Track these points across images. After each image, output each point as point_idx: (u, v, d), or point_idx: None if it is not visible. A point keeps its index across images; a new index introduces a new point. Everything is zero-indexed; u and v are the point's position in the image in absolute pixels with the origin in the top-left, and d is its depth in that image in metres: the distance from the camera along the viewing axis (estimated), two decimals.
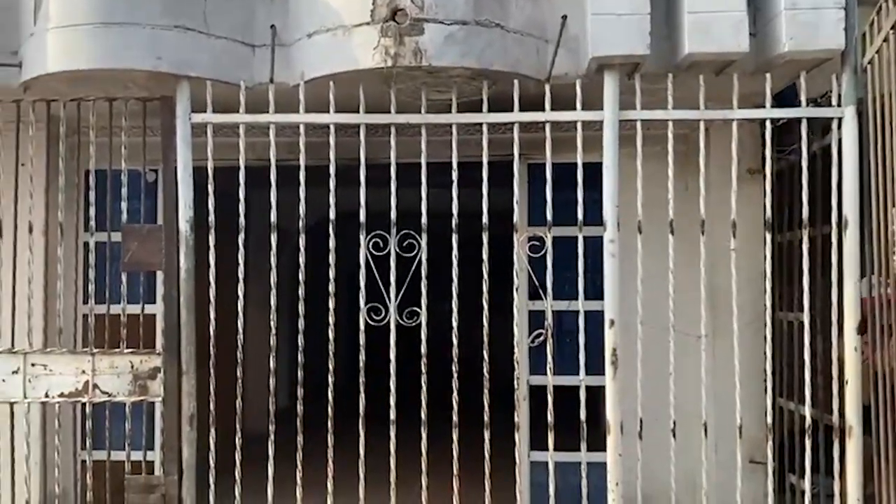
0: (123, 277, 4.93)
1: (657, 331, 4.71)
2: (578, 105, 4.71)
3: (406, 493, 4.77)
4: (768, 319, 4.80)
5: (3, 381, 4.85)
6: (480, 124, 4.78)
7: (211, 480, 4.77)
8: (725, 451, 4.94)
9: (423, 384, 4.74)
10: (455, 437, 4.74)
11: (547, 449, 4.77)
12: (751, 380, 4.99)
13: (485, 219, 4.79)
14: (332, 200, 4.77)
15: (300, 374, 4.78)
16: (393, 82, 4.69)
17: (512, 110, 4.71)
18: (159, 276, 5.09)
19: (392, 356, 4.74)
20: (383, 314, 4.73)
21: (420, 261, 4.74)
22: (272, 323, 4.82)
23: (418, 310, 4.74)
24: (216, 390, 4.76)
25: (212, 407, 4.74)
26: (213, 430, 4.76)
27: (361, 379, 4.73)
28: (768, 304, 4.76)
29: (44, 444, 5.28)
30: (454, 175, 4.76)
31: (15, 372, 4.85)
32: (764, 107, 4.70)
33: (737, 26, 4.52)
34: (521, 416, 5.60)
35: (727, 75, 4.70)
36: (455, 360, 4.81)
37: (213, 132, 4.79)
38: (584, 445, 4.72)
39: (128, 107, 4.97)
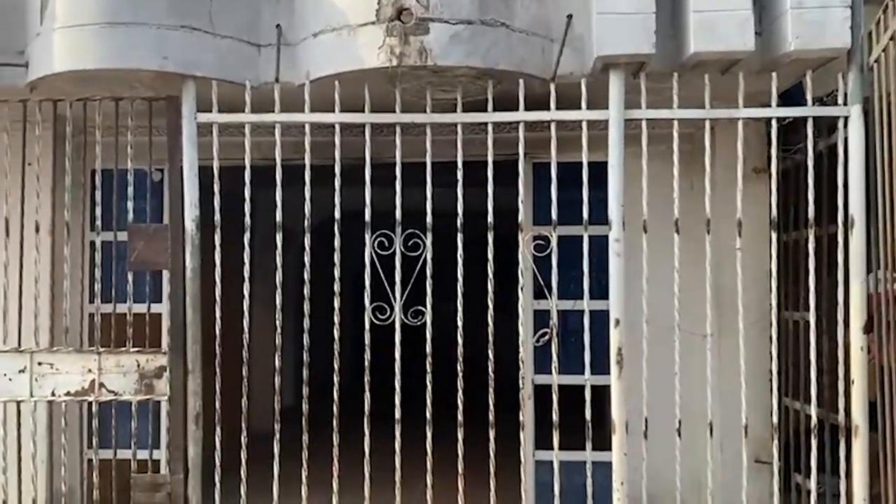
0: (129, 276, 4.94)
1: (662, 330, 4.71)
2: (583, 104, 4.70)
3: (411, 492, 4.78)
4: (774, 319, 4.79)
5: (10, 379, 4.87)
6: (485, 123, 4.79)
7: (217, 479, 4.78)
8: (731, 451, 4.93)
9: (427, 383, 4.74)
10: (460, 436, 4.75)
11: (552, 448, 4.77)
12: (756, 379, 4.99)
13: (490, 218, 4.79)
14: (337, 200, 4.78)
15: (305, 373, 4.79)
16: (398, 82, 4.70)
17: (517, 109, 4.71)
18: (165, 275, 5.11)
19: (397, 355, 4.74)
20: (388, 313, 4.73)
21: (425, 260, 4.75)
22: (278, 322, 4.83)
23: (423, 309, 4.74)
24: (222, 389, 4.78)
25: (217, 406, 4.76)
26: (218, 429, 4.77)
27: (367, 378, 4.74)
28: (774, 303, 4.75)
29: (50, 443, 5.29)
30: (459, 174, 4.75)
31: (22, 371, 4.87)
32: (770, 106, 4.69)
33: (742, 25, 4.51)
34: (526, 415, 5.60)
35: (733, 74, 4.69)
36: (460, 359, 4.82)
37: (219, 132, 4.80)
38: (589, 445, 4.71)
39: (134, 106, 4.98)
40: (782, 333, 5.16)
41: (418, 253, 4.75)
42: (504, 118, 4.77)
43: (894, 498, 4.21)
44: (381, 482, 4.76)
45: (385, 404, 4.78)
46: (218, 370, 4.78)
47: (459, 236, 4.81)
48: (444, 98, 4.87)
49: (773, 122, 4.73)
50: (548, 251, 4.77)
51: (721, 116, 4.78)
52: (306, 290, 4.81)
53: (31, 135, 5.00)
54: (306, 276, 4.81)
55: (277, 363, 4.86)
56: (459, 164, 4.75)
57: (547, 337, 4.84)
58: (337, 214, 4.80)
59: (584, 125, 4.74)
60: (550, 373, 4.80)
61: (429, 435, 4.73)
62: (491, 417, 4.76)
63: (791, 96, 5.05)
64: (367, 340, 4.79)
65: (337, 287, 4.80)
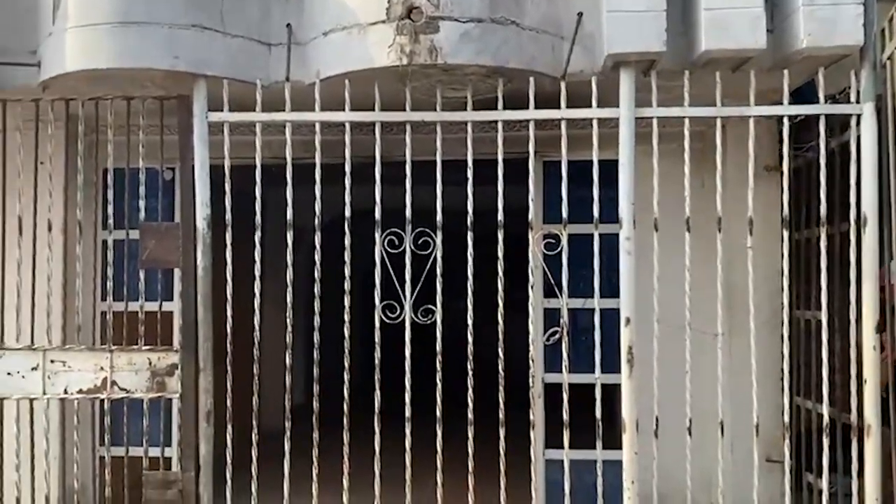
0: (141, 275, 4.97)
1: (673, 329, 4.70)
2: (594, 102, 4.69)
3: (421, 490, 4.78)
4: (785, 317, 4.77)
5: (23, 377, 4.90)
6: (496, 122, 4.78)
7: (228, 476, 4.80)
8: (742, 450, 4.91)
9: (438, 381, 4.74)
10: (470, 434, 4.74)
11: (562, 447, 4.76)
12: (767, 378, 4.97)
13: (500, 216, 4.78)
14: (347, 198, 4.79)
15: (316, 371, 4.80)
16: (408, 80, 4.70)
17: (527, 108, 4.70)
18: (177, 273, 5.14)
19: (407, 353, 4.75)
20: (398, 312, 4.74)
21: (435, 258, 4.75)
22: (288, 320, 4.84)
23: (433, 307, 4.74)
24: (233, 387, 4.79)
25: (228, 403, 4.77)
26: (229, 427, 4.79)
27: (377, 376, 4.74)
28: (785, 301, 4.73)
29: (63, 440, 5.32)
30: (469, 173, 4.75)
31: (34, 368, 4.90)
32: (781, 103, 4.67)
33: (754, 22, 4.48)
34: (537, 413, 5.60)
35: (744, 72, 4.67)
36: (470, 357, 4.81)
37: (230, 131, 4.81)
38: (599, 443, 4.71)
39: (145, 106, 5.01)
40: (794, 332, 5.14)
41: (428, 251, 4.75)
42: (514, 116, 4.77)
43: None
44: (391, 480, 4.76)
45: (395, 402, 4.79)
46: (229, 368, 4.80)
47: (470, 235, 4.81)
48: (455, 96, 4.87)
49: (785, 120, 4.71)
50: (558, 249, 4.76)
51: (732, 114, 4.76)
52: (317, 289, 4.82)
53: (44, 134, 5.03)
54: (317, 274, 4.81)
55: (288, 361, 4.87)
56: (470, 163, 4.75)
57: (557, 335, 4.83)
58: (347, 213, 4.81)
59: (595, 123, 4.73)
60: (561, 371, 4.79)
61: (439, 433, 4.73)
62: (501, 416, 4.76)
63: (803, 94, 5.02)
64: (377, 339, 4.79)
65: (347, 285, 4.81)
